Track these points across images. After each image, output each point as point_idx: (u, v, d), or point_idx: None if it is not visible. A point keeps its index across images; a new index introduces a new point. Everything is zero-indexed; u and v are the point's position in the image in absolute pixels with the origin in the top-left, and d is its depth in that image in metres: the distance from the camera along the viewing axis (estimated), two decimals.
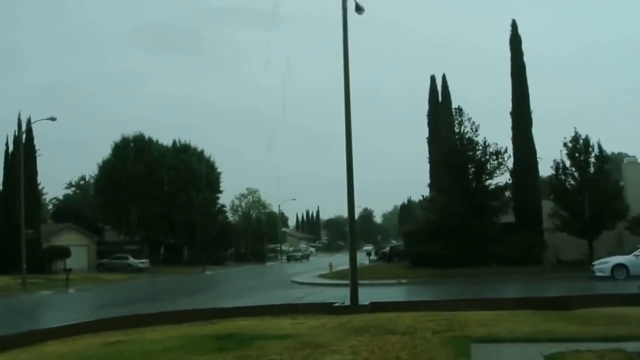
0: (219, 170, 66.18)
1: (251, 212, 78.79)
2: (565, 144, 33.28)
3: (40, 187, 51.42)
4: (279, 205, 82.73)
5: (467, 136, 37.11)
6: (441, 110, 43.57)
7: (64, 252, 47.76)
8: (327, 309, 15.25)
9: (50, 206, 77.39)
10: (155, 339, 11.13)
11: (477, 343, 8.79)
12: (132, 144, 58.84)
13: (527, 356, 7.91)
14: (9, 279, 36.25)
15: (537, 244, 33.92)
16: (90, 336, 12.75)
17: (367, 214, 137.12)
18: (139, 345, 10.41)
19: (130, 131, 61.08)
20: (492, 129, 39.45)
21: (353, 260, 17.40)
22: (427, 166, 45.42)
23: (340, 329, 10.91)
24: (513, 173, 36.90)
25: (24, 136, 43.12)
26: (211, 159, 65.37)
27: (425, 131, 46.26)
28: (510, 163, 36.77)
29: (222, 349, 9.13)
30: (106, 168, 58.23)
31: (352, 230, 18.20)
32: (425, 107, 46.48)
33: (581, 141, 33.06)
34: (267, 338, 9.98)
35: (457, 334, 9.60)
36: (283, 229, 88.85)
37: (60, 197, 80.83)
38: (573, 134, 33.24)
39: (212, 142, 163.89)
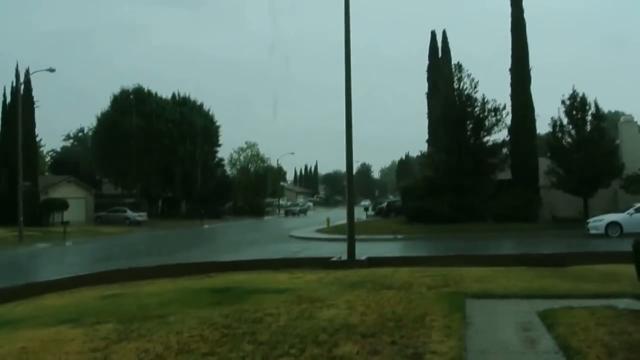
0: (218, 123, 65.82)
1: (249, 165, 78.76)
2: (562, 102, 33.13)
3: (38, 138, 50.98)
4: (278, 159, 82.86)
5: (466, 92, 37.01)
6: (441, 66, 43.39)
7: (62, 205, 47.64)
8: (324, 263, 15.38)
9: (48, 158, 76.79)
10: (153, 292, 11.22)
11: (472, 299, 8.87)
12: (131, 97, 58.09)
13: (520, 312, 7.98)
14: (6, 231, 36.05)
15: (532, 201, 34.11)
16: (88, 289, 12.86)
17: (365, 169, 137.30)
18: (136, 298, 10.49)
19: (129, 84, 60.31)
20: (491, 85, 39.37)
21: (350, 215, 17.49)
22: (426, 122, 45.57)
23: (337, 284, 11.03)
24: (511, 130, 36.82)
25: (22, 87, 42.47)
26: (210, 112, 64.95)
27: (424, 87, 46.25)
28: (508, 120, 36.76)
29: (219, 302, 9.19)
30: (105, 120, 57.59)
31: (350, 185, 18.17)
32: (425, 63, 46.44)
33: (578, 99, 32.90)
34: (264, 292, 10.07)
35: (452, 290, 9.70)
36: (281, 183, 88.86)
37: (58, 149, 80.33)
38: (571, 91, 33.11)
39: (212, 95, 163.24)
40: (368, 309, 8.16)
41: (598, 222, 26.88)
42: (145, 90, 59.44)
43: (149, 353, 6.27)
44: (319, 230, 36.40)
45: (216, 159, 67.21)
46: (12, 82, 43.93)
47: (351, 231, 16.83)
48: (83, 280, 13.79)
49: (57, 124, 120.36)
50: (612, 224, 26.19)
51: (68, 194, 51.41)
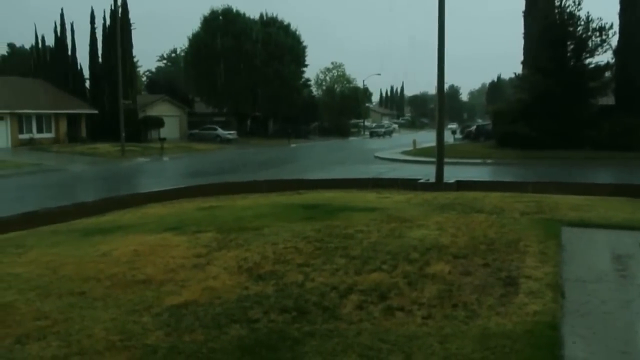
0: (304, 44, 65.79)
1: (335, 86, 78.53)
2: None
3: (135, 59, 53.36)
4: (364, 81, 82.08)
5: (568, 10, 34.43)
6: None
7: (158, 122, 50.34)
8: (411, 185, 15.28)
9: (144, 78, 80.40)
10: (247, 205, 11.59)
11: (568, 227, 8.46)
12: (220, 18, 59.40)
13: (622, 244, 7.55)
14: (110, 146, 38.96)
15: (637, 129, 31.92)
16: (186, 201, 13.56)
17: (454, 92, 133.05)
18: (232, 210, 10.86)
19: (219, 5, 61.13)
20: (597, 2, 35.96)
21: (440, 136, 17.11)
22: (522, 42, 43.10)
23: (425, 205, 10.85)
24: (617, 52, 34.15)
25: (119, 10, 44.75)
26: (297, 33, 64.90)
27: (521, 4, 43.38)
28: (614, 41, 34.04)
29: (311, 218, 9.29)
30: (196, 41, 59.42)
31: (441, 105, 17.65)
32: None
33: None
34: (353, 210, 10.03)
35: (546, 217, 9.27)
36: (367, 105, 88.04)
37: (153, 70, 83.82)
38: None
39: (299, 14, 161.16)
40: (459, 231, 8.00)
41: None
42: (234, 10, 60.20)
43: (247, 261, 6.59)
44: (405, 152, 36.10)
45: (302, 80, 67.42)
46: (111, 5, 46.88)
47: (440, 153, 16.53)
48: (182, 192, 14.56)
49: (152, 46, 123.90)
50: None
51: (163, 112, 53.92)
